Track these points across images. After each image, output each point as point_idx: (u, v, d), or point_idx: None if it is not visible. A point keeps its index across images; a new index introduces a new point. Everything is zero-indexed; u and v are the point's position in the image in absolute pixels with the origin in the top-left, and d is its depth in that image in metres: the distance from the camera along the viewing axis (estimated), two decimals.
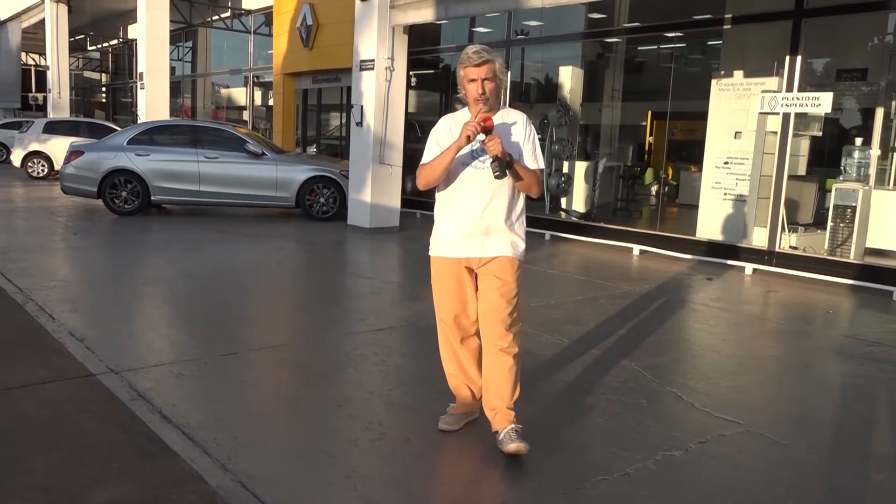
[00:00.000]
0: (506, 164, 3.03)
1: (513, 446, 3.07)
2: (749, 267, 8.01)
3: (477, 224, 3.17)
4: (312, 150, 17.05)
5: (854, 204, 7.65)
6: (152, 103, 16.31)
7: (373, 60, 10.15)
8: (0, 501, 2.63)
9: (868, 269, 7.31)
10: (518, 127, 3.21)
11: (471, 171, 3.16)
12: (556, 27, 11.78)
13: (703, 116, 9.05)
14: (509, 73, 10.72)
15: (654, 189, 14.02)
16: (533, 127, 3.29)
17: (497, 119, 3.12)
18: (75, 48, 29.03)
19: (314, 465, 3.04)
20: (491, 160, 3.02)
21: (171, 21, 17.37)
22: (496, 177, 3.03)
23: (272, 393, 3.97)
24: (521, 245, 3.27)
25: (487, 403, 3.25)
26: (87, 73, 35.30)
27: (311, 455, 3.14)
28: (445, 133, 3.20)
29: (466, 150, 3.15)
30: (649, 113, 15.73)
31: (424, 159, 3.25)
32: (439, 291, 3.36)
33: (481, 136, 3.04)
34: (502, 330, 3.18)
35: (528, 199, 3.35)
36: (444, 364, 3.43)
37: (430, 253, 3.37)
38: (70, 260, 7.60)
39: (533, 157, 3.22)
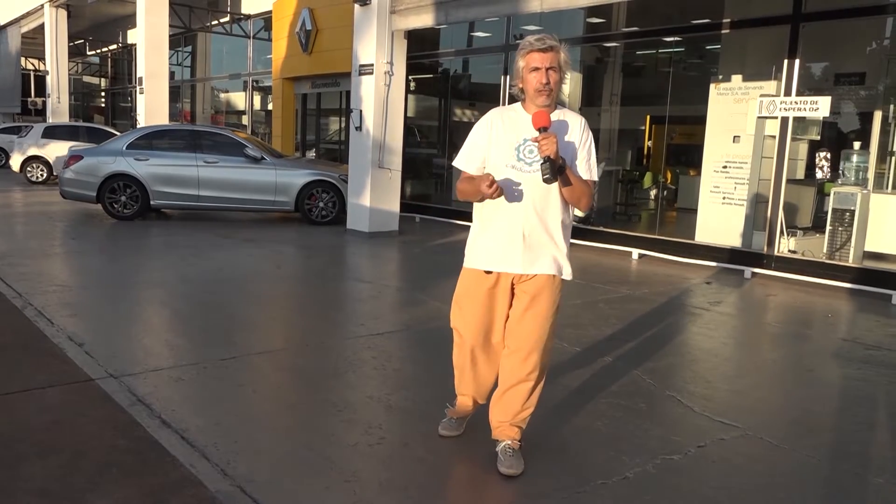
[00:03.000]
0: (557, 168, 2.71)
1: (503, 469, 3.00)
2: (748, 270, 8.02)
3: (518, 233, 2.89)
4: (312, 154, 17.06)
5: (852, 207, 7.66)
6: (151, 108, 16.34)
7: (372, 65, 10.17)
8: None
9: (867, 272, 7.32)
10: (574, 130, 2.91)
11: (515, 174, 2.86)
12: (555, 31, 11.72)
13: (701, 120, 9.07)
14: (508, 77, 10.75)
15: (652, 193, 14.04)
16: (591, 133, 2.97)
17: (553, 118, 2.83)
18: (75, 53, 29.06)
19: (313, 470, 3.04)
20: (542, 161, 2.70)
21: (170, 26, 17.41)
22: (545, 180, 2.70)
23: (271, 397, 3.97)
24: (566, 263, 2.99)
25: (494, 416, 3.13)
26: (86, 78, 35.35)
27: (310, 459, 3.13)
28: (486, 131, 2.93)
29: (512, 148, 2.87)
30: (648, 117, 15.76)
31: (461, 162, 2.99)
32: (466, 307, 3.08)
33: (534, 133, 2.74)
34: (532, 355, 2.98)
35: None
36: (457, 373, 3.28)
37: (465, 265, 3.08)
38: (69, 264, 7.60)
39: (587, 166, 2.91)
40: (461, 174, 3.01)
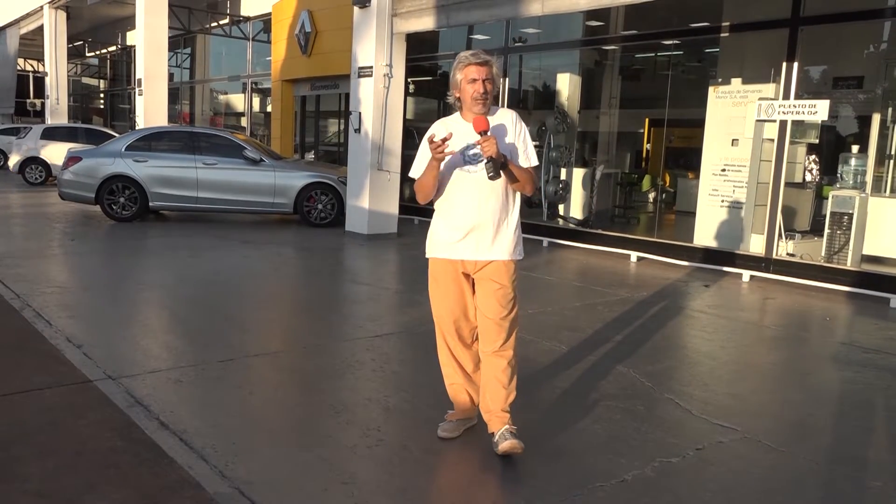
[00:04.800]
0: (500, 165, 3.02)
1: (506, 444, 3.10)
2: (746, 274, 8.03)
3: (472, 226, 3.17)
4: (311, 156, 17.07)
5: (851, 211, 7.67)
6: (150, 109, 16.34)
7: (371, 67, 10.18)
8: None
9: (865, 276, 7.32)
10: (510, 126, 3.22)
11: (464, 174, 3.16)
12: (554, 35, 11.83)
13: (700, 124, 9.07)
14: (507, 79, 10.76)
15: (651, 196, 14.06)
16: (524, 124, 3.30)
17: (491, 120, 3.11)
18: (74, 54, 29.07)
19: (311, 472, 3.04)
20: (485, 161, 3.01)
21: (169, 28, 17.42)
22: (490, 178, 3.01)
23: (270, 399, 3.97)
24: (518, 246, 3.27)
25: (483, 406, 3.28)
26: (85, 80, 35.36)
27: (308, 461, 3.13)
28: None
29: (459, 152, 3.15)
30: (647, 120, 15.79)
31: (414, 171, 3.27)
32: (437, 295, 3.34)
33: (476, 137, 3.04)
34: (499, 334, 3.21)
35: (525, 203, 3.36)
36: (443, 369, 3.42)
37: (426, 254, 3.36)
38: (67, 266, 7.59)
39: (525, 156, 3.23)
40: (415, 184, 3.28)
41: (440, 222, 3.29)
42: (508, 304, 3.22)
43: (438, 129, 3.24)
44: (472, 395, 3.40)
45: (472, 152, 3.14)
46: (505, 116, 3.25)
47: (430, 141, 3.04)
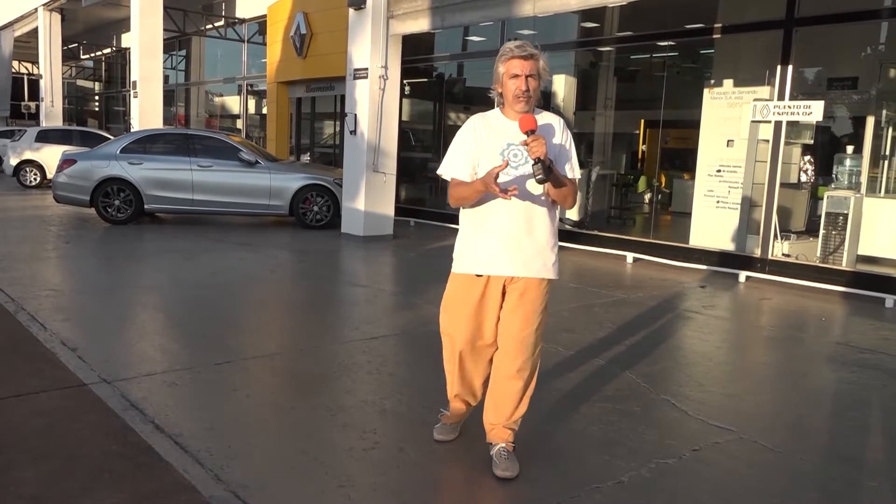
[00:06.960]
0: (547, 169, 2.72)
1: (499, 472, 3.02)
2: (742, 274, 8.04)
3: (509, 238, 2.92)
4: (306, 158, 17.05)
5: (846, 211, 7.69)
6: (146, 112, 16.32)
7: (366, 69, 10.17)
8: None
9: (860, 276, 7.34)
10: (557, 131, 2.96)
11: (503, 178, 2.81)
12: (549, 36, 11.84)
13: (695, 125, 9.10)
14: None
15: (647, 197, 14.07)
16: (570, 132, 3.04)
17: (537, 121, 2.84)
18: (68, 57, 29.01)
19: (308, 475, 3.03)
20: (534, 162, 2.71)
21: (164, 30, 17.40)
22: (538, 180, 2.73)
23: (266, 402, 3.96)
24: (555, 263, 3.01)
25: (487, 418, 3.16)
26: (80, 82, 35.28)
27: (304, 464, 3.12)
28: (472, 137, 2.94)
29: (498, 153, 2.89)
30: (642, 121, 15.80)
31: (449, 169, 2.98)
32: (456, 310, 3.07)
33: (517, 137, 2.80)
34: (519, 350, 3.00)
35: None
36: (448, 376, 3.27)
37: (454, 269, 3.08)
38: (62, 269, 7.57)
39: (570, 166, 2.98)
40: (451, 181, 3.00)
41: (472, 233, 3.00)
42: (535, 322, 3.00)
43: (477, 123, 2.97)
44: (472, 403, 3.30)
45: (513, 153, 2.88)
46: (552, 118, 2.99)
47: (493, 177, 2.68)
